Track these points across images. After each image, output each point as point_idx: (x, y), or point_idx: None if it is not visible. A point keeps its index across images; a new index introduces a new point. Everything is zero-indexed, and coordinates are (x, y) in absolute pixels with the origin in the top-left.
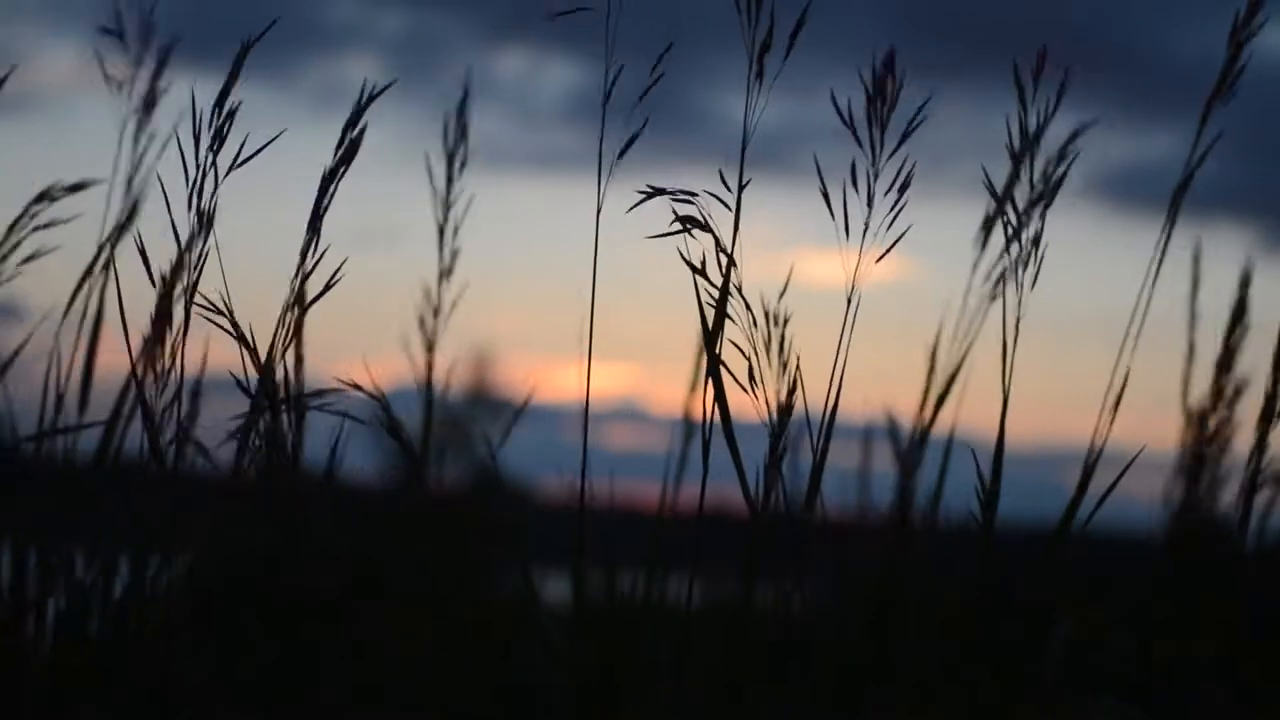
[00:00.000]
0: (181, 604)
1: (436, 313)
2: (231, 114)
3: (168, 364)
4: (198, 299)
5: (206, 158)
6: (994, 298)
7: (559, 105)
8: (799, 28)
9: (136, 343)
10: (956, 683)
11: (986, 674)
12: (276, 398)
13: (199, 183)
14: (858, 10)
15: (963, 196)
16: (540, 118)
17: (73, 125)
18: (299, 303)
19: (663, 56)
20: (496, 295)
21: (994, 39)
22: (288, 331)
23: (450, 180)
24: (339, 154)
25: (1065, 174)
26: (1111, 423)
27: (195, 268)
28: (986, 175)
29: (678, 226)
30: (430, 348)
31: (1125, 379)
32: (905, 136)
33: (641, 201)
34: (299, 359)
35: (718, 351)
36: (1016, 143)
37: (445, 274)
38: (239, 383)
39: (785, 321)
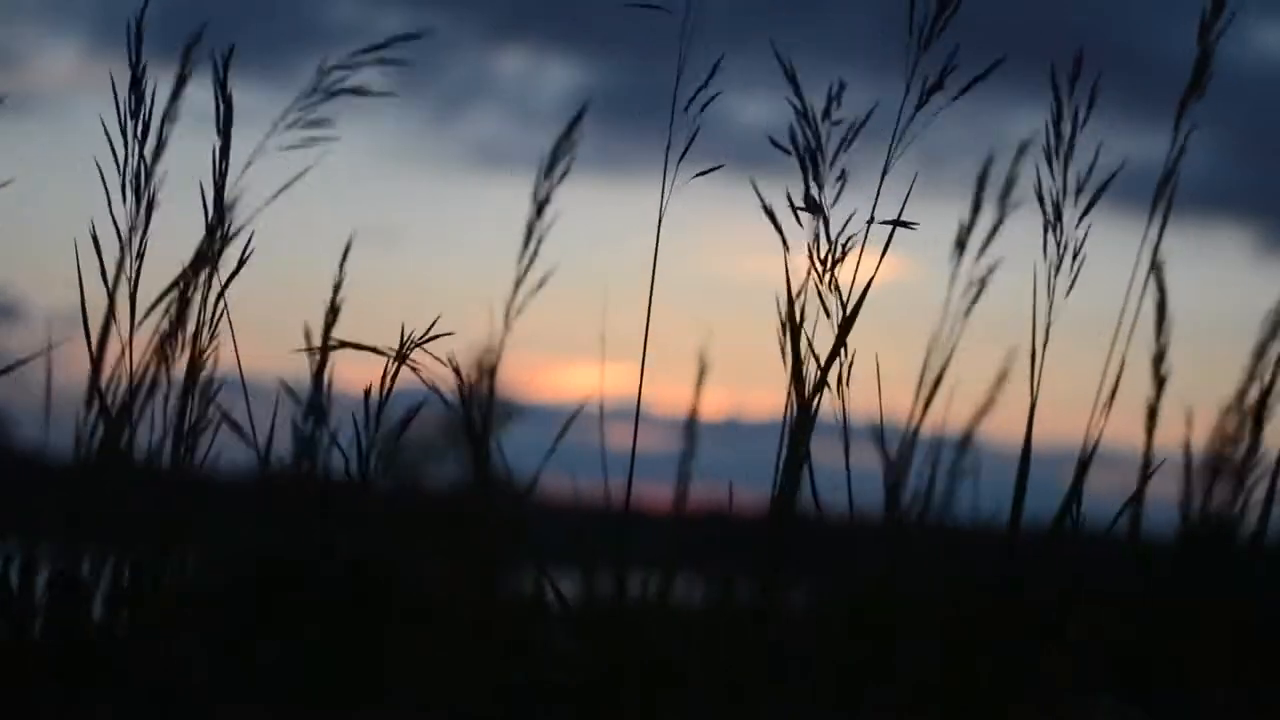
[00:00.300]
0: (184, 603)
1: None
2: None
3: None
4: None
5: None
6: (974, 300)
7: (558, 105)
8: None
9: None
10: (957, 683)
11: (987, 674)
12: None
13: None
14: (857, 10)
15: (963, 196)
16: (540, 118)
17: (73, 125)
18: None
19: (717, 65)
20: (495, 295)
21: (994, 39)
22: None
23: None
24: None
25: (1105, 180)
26: (1105, 420)
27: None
28: (1038, 182)
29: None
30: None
31: (1120, 374)
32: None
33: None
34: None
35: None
36: (1052, 146)
37: (518, 282)
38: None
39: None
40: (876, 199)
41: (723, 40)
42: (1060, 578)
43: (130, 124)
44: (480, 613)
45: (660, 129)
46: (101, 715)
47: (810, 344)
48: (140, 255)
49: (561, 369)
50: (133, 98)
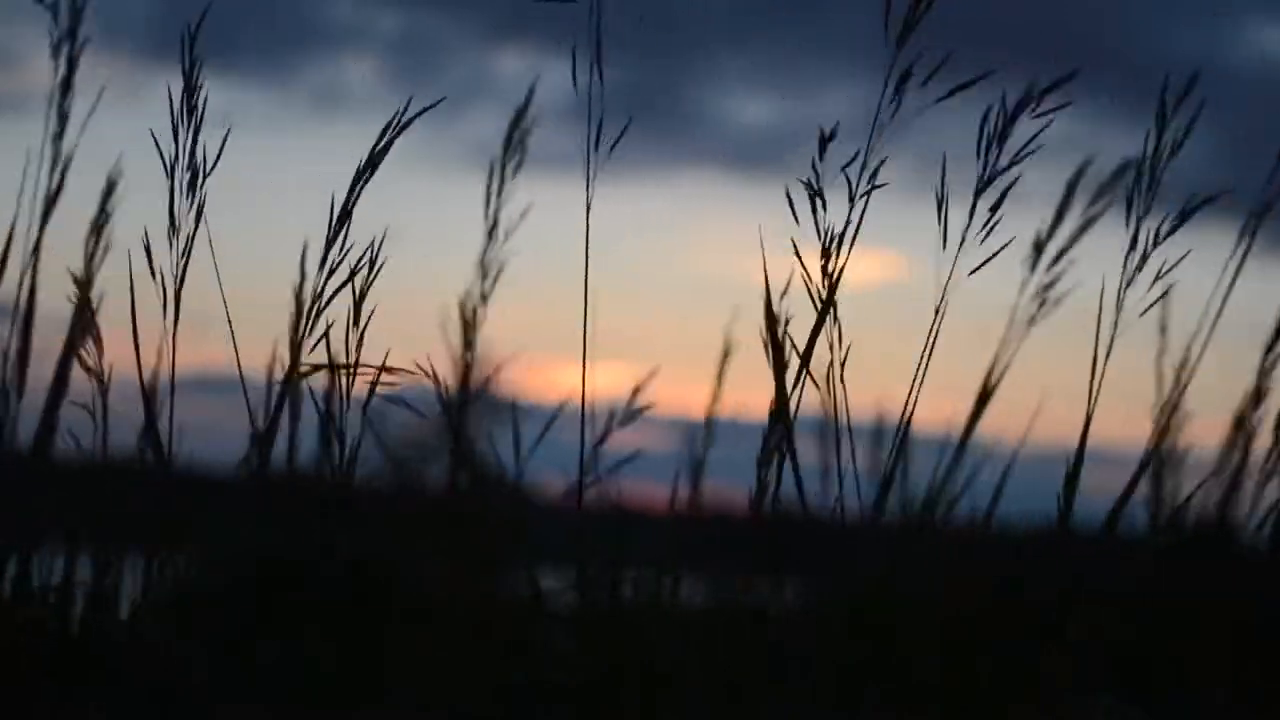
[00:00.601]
0: (184, 603)
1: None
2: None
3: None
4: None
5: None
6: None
7: (557, 105)
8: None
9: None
10: (957, 683)
11: (987, 674)
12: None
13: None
14: (857, 10)
15: (964, 196)
16: (539, 118)
17: (73, 125)
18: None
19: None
20: (495, 295)
21: (993, 38)
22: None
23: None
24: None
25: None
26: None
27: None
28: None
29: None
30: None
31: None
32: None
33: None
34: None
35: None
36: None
37: (485, 275)
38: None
39: (787, 322)
40: (855, 191)
41: (720, 40)
42: (1060, 577)
43: (182, 127)
44: (480, 613)
45: (660, 129)
46: (99, 716)
47: (791, 340)
48: (186, 254)
49: (560, 369)
50: (185, 103)
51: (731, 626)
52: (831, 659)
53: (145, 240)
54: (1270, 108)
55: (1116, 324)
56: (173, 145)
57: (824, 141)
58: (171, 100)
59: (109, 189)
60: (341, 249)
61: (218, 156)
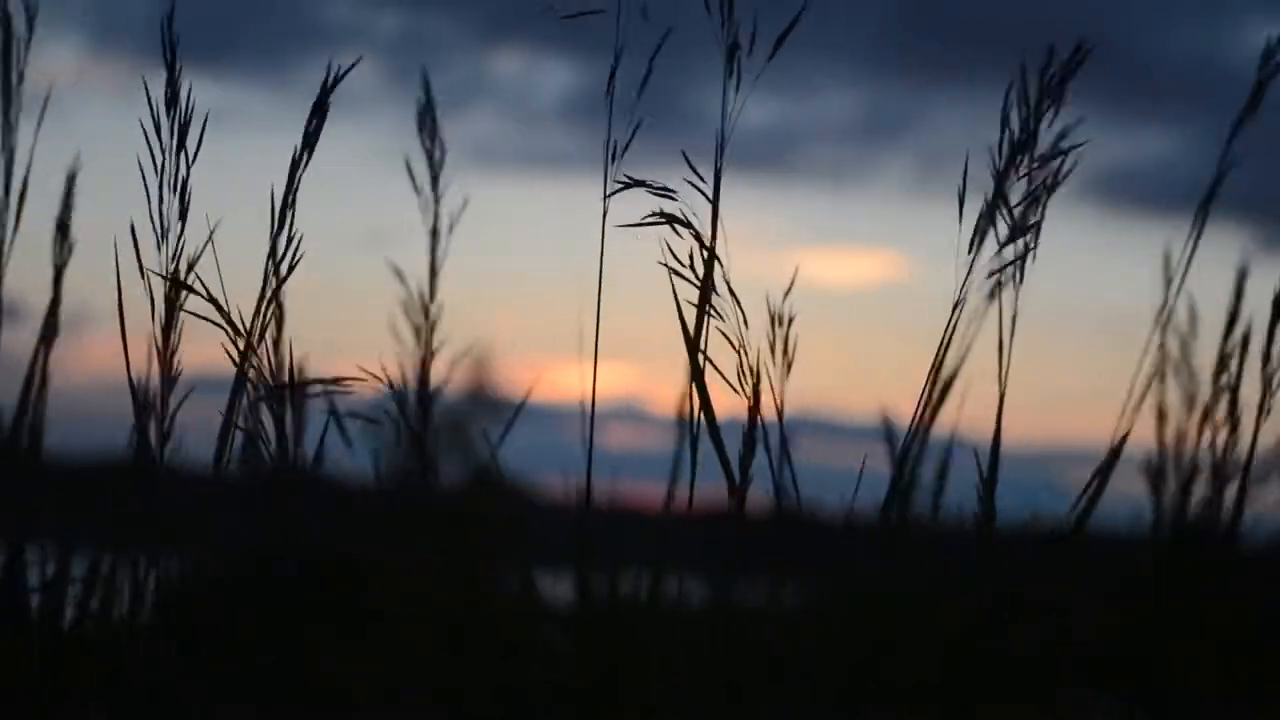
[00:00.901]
0: (182, 603)
1: (427, 313)
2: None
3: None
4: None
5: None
6: (991, 297)
7: (557, 105)
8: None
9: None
10: (957, 683)
11: (987, 674)
12: (280, 389)
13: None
14: (856, 9)
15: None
16: (538, 118)
17: (72, 126)
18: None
19: (654, 56)
20: (495, 295)
21: (991, 39)
22: (265, 316)
23: (435, 179)
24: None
25: (1061, 172)
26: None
27: (173, 259)
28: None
29: (656, 220)
30: (426, 347)
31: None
32: None
33: (618, 191)
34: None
35: (703, 349)
36: (1009, 139)
37: (432, 273)
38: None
39: (790, 321)
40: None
41: (689, 38)
42: (1061, 578)
43: (166, 125)
44: (479, 613)
45: (659, 129)
46: (99, 716)
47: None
48: (177, 256)
49: (561, 369)
50: (169, 103)
51: (730, 626)
52: (831, 659)
53: (134, 239)
54: (1271, 108)
55: (1016, 304)
56: (156, 142)
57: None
58: (149, 96)
59: (69, 185)
60: (288, 243)
61: (197, 148)
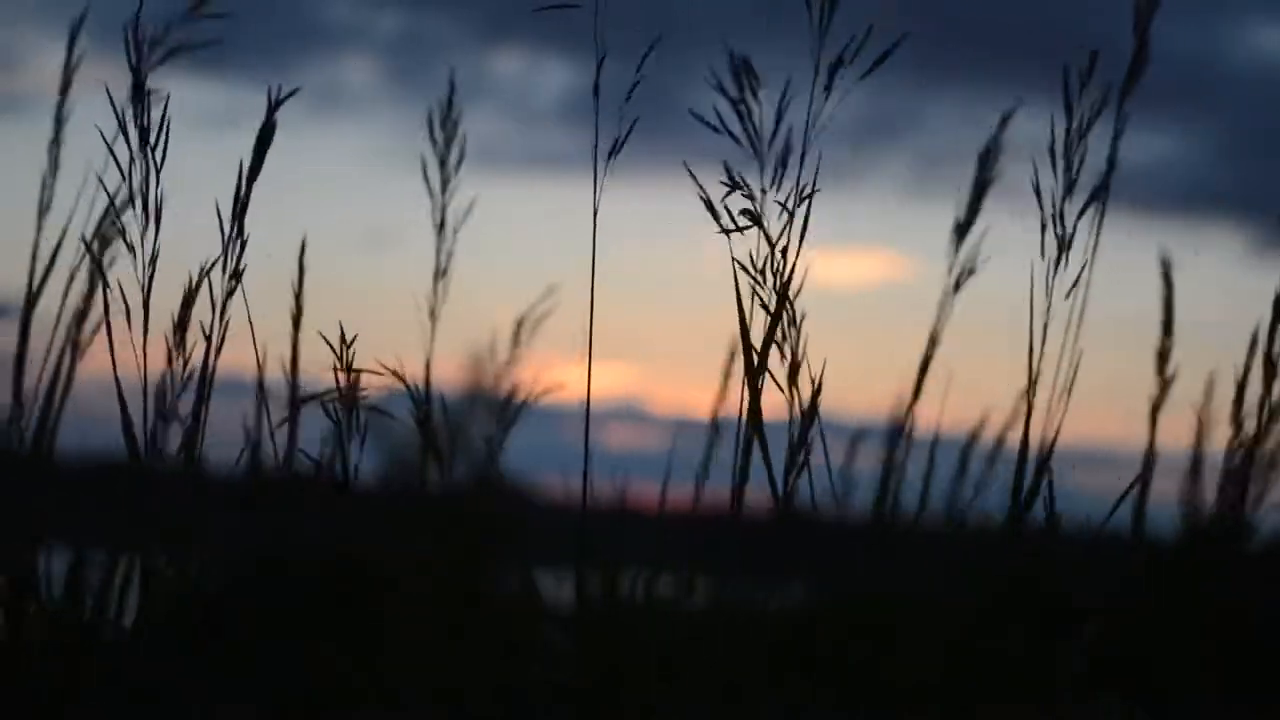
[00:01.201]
0: (184, 603)
1: (433, 313)
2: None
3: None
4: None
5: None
6: (956, 288)
7: (556, 105)
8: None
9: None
10: (957, 683)
11: (988, 674)
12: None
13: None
14: (853, 9)
15: (954, 197)
16: (537, 118)
17: (72, 126)
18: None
19: (646, 56)
20: (494, 295)
21: (990, 39)
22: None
23: (445, 180)
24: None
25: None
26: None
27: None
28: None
29: (744, 221)
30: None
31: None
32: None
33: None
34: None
35: (760, 352)
36: (1060, 145)
37: (440, 273)
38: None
39: (801, 320)
40: (799, 182)
41: (690, 39)
42: (1062, 577)
43: (133, 129)
44: (479, 612)
45: (658, 129)
46: (100, 716)
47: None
48: (153, 260)
49: (558, 369)
50: (136, 104)
51: (731, 626)
52: (831, 659)
53: (126, 241)
54: (1271, 108)
55: (1049, 309)
56: (125, 145)
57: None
58: (111, 98)
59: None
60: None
61: (164, 145)
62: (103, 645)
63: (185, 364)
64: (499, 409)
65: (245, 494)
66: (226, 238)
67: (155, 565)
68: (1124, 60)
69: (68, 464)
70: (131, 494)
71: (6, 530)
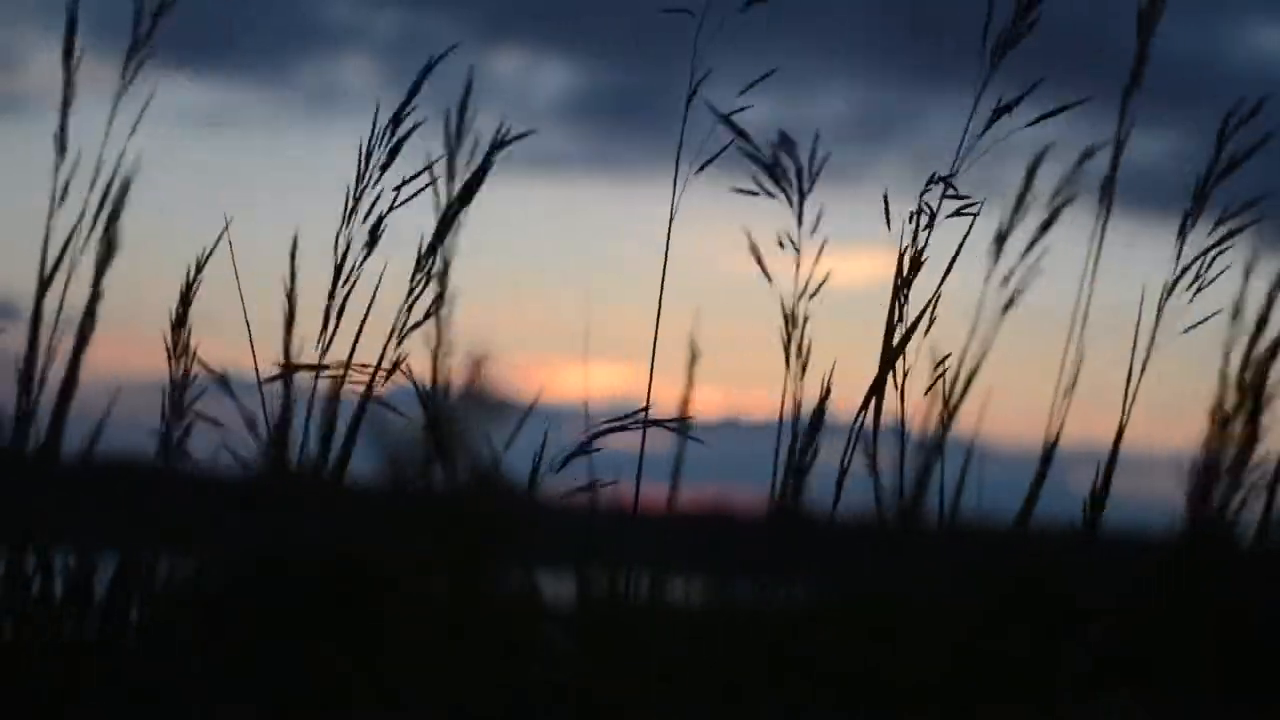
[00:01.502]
0: (184, 603)
1: (435, 313)
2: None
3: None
4: None
5: (372, 175)
6: (1008, 306)
7: (554, 105)
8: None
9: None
10: (958, 684)
11: (989, 675)
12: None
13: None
14: (852, 9)
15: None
16: (536, 118)
17: (72, 126)
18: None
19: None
20: (493, 295)
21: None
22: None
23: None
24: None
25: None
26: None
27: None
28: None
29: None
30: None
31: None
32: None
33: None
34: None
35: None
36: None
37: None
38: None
39: (805, 322)
40: (935, 214)
41: (722, 40)
42: (1063, 578)
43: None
44: (480, 612)
45: (656, 129)
46: (101, 716)
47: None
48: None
49: (559, 369)
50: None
51: (732, 627)
52: (832, 660)
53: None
54: (1271, 108)
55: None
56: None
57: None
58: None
59: (123, 189)
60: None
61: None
62: (103, 645)
63: (189, 363)
64: (500, 409)
65: (245, 494)
66: (415, 279)
67: (156, 565)
68: (1126, 59)
69: (68, 464)
70: (132, 494)
71: (7, 530)
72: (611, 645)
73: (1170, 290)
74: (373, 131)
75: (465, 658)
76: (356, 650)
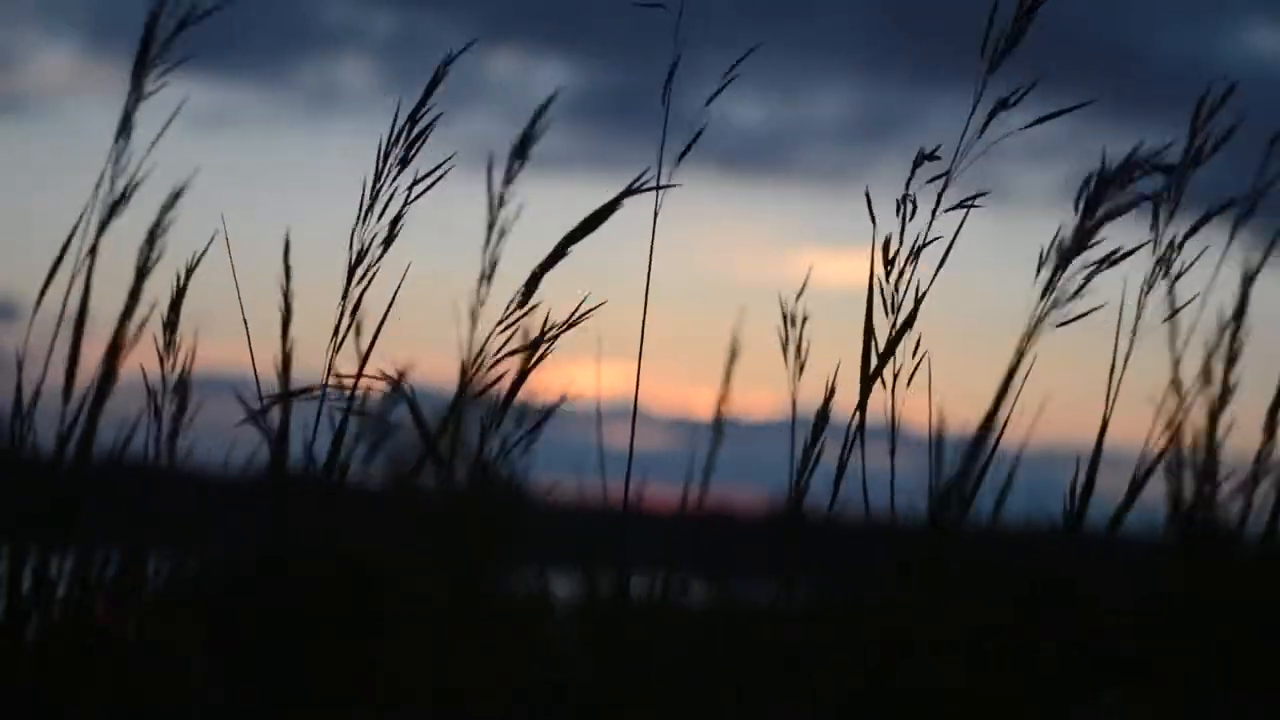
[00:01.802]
0: (184, 603)
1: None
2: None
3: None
4: None
5: (390, 171)
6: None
7: (554, 106)
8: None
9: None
10: (960, 684)
11: (991, 675)
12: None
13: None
14: (853, 9)
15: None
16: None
17: (71, 126)
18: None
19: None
20: (494, 296)
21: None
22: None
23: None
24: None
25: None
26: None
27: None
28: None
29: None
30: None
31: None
32: None
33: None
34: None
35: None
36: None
37: (485, 277)
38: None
39: (803, 321)
40: (934, 214)
41: (712, 40)
42: (1065, 579)
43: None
44: (481, 612)
45: (653, 129)
46: (101, 716)
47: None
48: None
49: (559, 369)
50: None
51: (736, 628)
52: (835, 661)
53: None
54: (1270, 108)
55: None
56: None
57: (921, 159)
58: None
59: (173, 199)
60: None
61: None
62: (103, 645)
63: (176, 363)
64: (501, 410)
65: (245, 494)
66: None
67: (156, 565)
68: (1107, 57)
69: (68, 463)
70: (132, 493)
71: (9, 529)
72: (613, 645)
73: (1151, 283)
74: (392, 128)
75: (465, 658)
76: (356, 650)
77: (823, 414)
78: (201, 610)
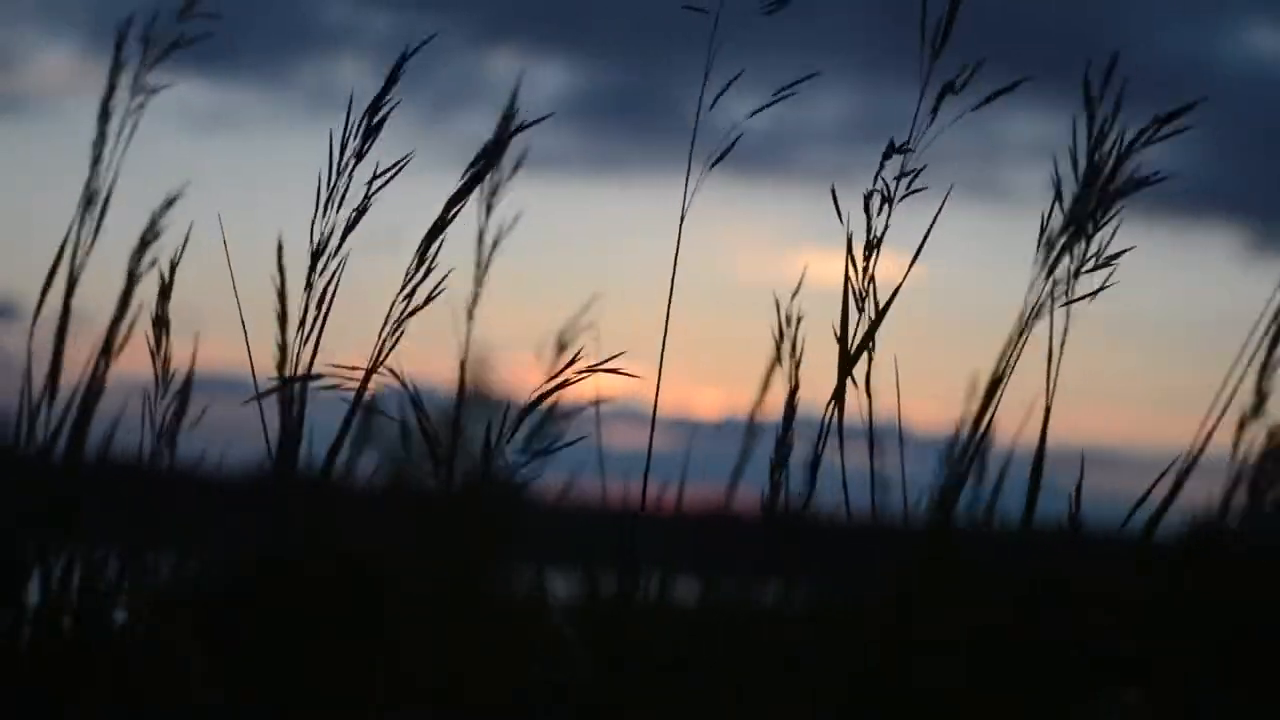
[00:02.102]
0: (183, 603)
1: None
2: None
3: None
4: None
5: (348, 163)
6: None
7: (551, 106)
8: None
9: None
10: (960, 684)
11: (992, 675)
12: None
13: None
14: (852, 9)
15: (962, 197)
16: (533, 119)
17: (71, 126)
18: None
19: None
20: (494, 295)
21: (992, 39)
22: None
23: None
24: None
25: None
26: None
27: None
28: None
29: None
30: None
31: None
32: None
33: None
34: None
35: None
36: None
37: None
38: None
39: (798, 321)
40: (891, 206)
41: (712, 40)
42: (1066, 579)
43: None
44: (480, 613)
45: (653, 129)
46: (100, 716)
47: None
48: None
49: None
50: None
51: (737, 628)
52: (836, 662)
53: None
54: (1270, 108)
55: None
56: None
57: (890, 152)
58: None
59: (167, 203)
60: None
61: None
62: (103, 645)
63: (170, 362)
64: (504, 411)
65: (245, 494)
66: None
67: (156, 564)
68: (1131, 62)
69: (68, 463)
70: (132, 493)
71: (8, 529)
72: (613, 645)
73: (1077, 271)
74: (347, 120)
75: (465, 658)
76: (356, 650)
77: (789, 410)
78: (201, 610)
